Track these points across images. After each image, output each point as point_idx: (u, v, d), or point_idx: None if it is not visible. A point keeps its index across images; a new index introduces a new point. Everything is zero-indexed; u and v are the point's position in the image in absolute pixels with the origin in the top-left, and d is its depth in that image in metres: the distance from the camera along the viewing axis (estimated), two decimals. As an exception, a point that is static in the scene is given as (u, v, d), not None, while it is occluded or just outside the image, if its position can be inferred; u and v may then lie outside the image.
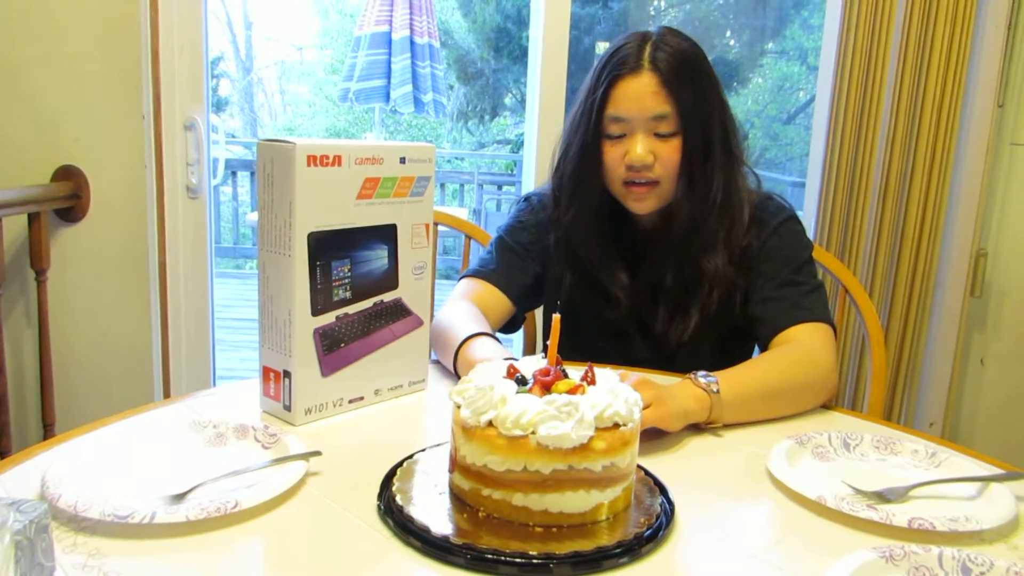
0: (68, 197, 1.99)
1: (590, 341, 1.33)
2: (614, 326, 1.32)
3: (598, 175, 1.25)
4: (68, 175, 2.00)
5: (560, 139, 1.32)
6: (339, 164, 0.97)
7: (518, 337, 1.66)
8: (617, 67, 1.20)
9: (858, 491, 0.86)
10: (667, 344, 1.29)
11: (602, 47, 1.27)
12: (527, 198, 1.42)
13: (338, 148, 0.97)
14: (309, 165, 0.94)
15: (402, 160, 1.04)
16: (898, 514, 0.79)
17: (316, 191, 0.95)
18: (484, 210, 7.29)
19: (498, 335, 1.30)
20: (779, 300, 1.23)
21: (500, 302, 1.32)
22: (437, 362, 1.23)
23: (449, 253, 6.56)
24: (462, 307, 1.25)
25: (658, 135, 1.20)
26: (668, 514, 0.80)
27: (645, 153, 1.19)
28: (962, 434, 2.55)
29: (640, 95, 1.18)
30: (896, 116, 2.23)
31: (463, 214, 5.95)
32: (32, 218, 1.95)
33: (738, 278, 1.26)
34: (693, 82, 1.20)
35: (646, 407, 0.92)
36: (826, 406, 1.15)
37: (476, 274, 1.34)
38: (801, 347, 1.16)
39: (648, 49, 1.19)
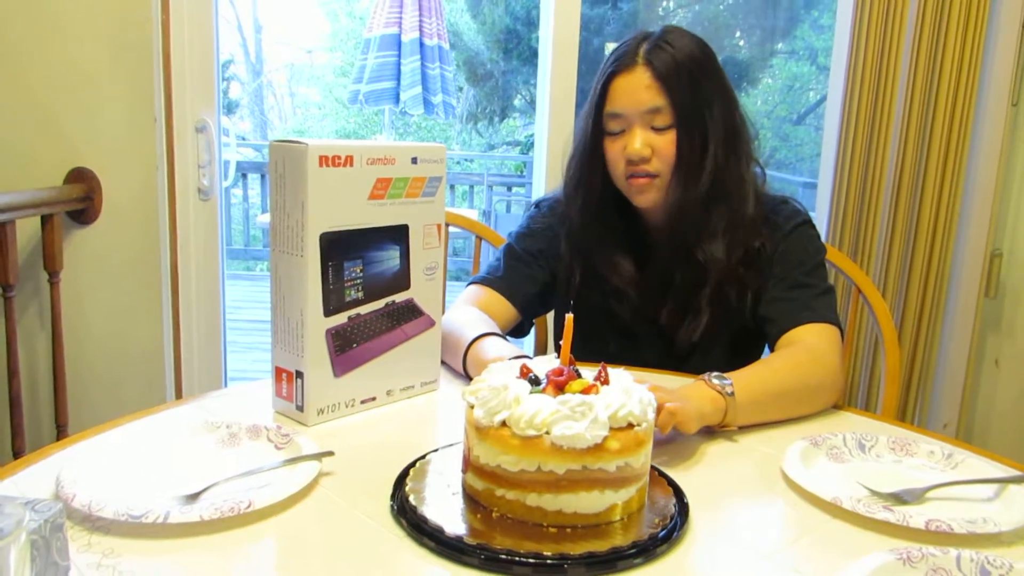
0: (80, 199, 2.00)
1: (601, 343, 1.33)
2: (625, 327, 1.32)
3: (602, 172, 1.27)
4: (80, 177, 2.00)
5: (572, 138, 1.34)
6: (351, 164, 0.97)
7: (529, 340, 1.66)
8: (614, 64, 1.22)
9: (874, 492, 0.85)
10: (679, 344, 1.29)
11: (611, 48, 1.28)
12: (537, 204, 1.43)
13: (350, 148, 0.97)
14: (321, 165, 0.94)
15: (414, 160, 1.04)
16: (915, 516, 0.79)
17: (328, 191, 0.95)
18: (494, 211, 7.30)
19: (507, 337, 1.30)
20: (788, 301, 1.23)
21: (505, 309, 1.33)
22: (445, 364, 1.23)
23: (459, 254, 6.56)
24: (468, 311, 1.26)
25: (654, 129, 1.21)
26: (682, 515, 0.79)
27: (642, 147, 1.21)
28: (976, 435, 2.53)
29: (634, 90, 1.20)
30: (909, 115, 2.22)
31: (473, 215, 5.95)
32: (45, 220, 1.96)
33: (748, 277, 1.26)
34: (689, 76, 1.20)
35: (665, 404, 0.91)
36: (837, 406, 1.15)
37: (482, 281, 1.35)
38: (808, 348, 1.16)
39: (644, 46, 1.21)
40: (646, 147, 1.21)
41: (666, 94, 1.19)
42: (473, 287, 1.35)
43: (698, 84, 1.21)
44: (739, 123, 1.26)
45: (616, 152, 1.24)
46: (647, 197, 1.25)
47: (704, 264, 1.25)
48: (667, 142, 1.21)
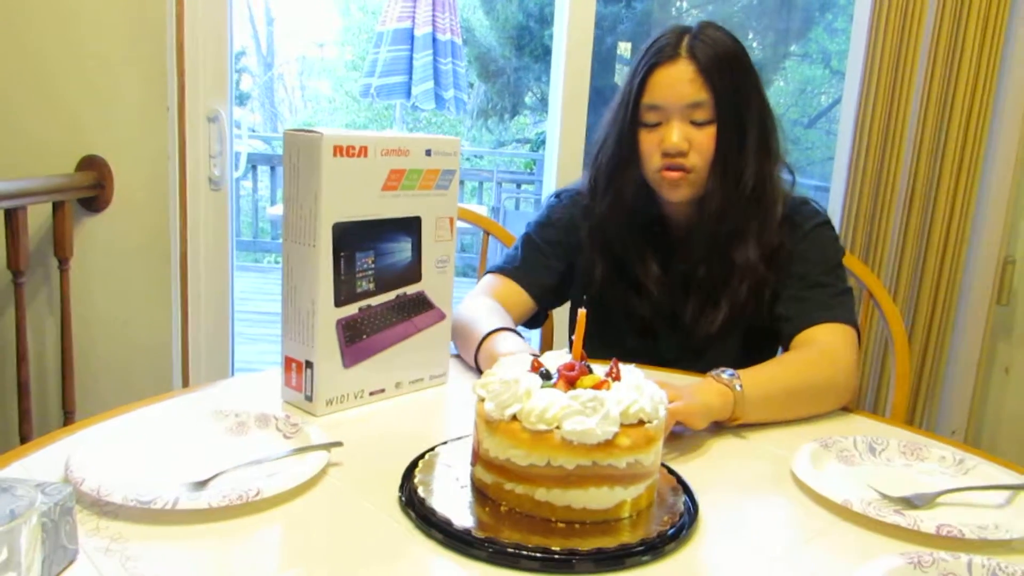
0: (92, 187, 2.01)
1: (619, 339, 1.32)
2: (643, 322, 1.32)
3: (635, 164, 1.25)
4: (92, 165, 2.01)
5: (599, 130, 1.32)
6: (365, 155, 0.97)
7: (535, 333, 1.65)
8: (655, 56, 1.21)
9: (884, 496, 0.85)
10: (695, 337, 1.28)
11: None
12: (558, 195, 1.42)
13: (364, 139, 0.97)
14: (335, 156, 0.94)
15: (427, 152, 1.03)
16: (926, 520, 0.78)
17: (342, 182, 0.95)
18: (503, 208, 7.29)
19: (520, 330, 1.30)
20: (805, 300, 1.22)
21: (522, 299, 1.33)
22: (457, 356, 1.23)
23: (467, 250, 6.55)
24: (483, 302, 1.26)
25: (694, 123, 1.20)
26: (691, 513, 0.79)
27: (680, 140, 1.19)
28: (984, 443, 2.52)
29: (676, 82, 1.19)
30: (924, 120, 2.20)
31: (482, 212, 5.93)
32: (56, 207, 1.96)
33: (768, 275, 1.25)
34: (731, 72, 1.20)
35: (671, 402, 0.91)
36: (847, 408, 1.14)
37: (500, 270, 1.35)
38: (822, 347, 1.15)
39: (686, 39, 1.20)
40: (684, 140, 1.19)
41: (709, 88, 1.18)
42: (490, 276, 1.35)
43: (738, 80, 1.21)
44: (770, 121, 1.26)
45: (651, 144, 1.22)
46: (679, 192, 1.24)
47: (737, 264, 1.24)
48: (706, 136, 1.20)
